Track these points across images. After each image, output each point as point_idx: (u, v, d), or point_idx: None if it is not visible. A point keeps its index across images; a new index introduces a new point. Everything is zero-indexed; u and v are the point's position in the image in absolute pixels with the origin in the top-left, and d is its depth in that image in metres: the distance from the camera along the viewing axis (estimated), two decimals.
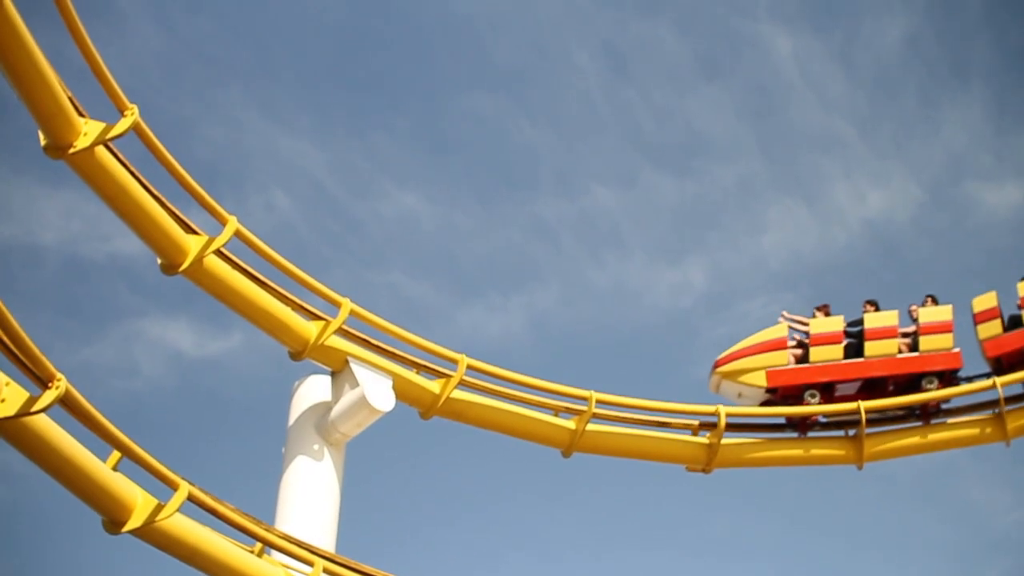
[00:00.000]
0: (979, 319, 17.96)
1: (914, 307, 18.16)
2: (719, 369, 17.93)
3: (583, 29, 40.80)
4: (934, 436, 17.64)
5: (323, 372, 15.49)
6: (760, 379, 17.53)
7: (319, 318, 15.03)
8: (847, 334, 17.93)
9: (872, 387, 17.77)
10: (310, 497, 14.64)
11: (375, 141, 39.95)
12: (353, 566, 13.59)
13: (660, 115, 41.31)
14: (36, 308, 31.81)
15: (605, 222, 40.88)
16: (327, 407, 15.20)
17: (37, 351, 9.52)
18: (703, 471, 17.59)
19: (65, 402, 9.96)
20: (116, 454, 11.28)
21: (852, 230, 41.08)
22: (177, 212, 13.46)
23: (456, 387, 15.98)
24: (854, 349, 17.81)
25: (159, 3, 37.32)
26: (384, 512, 33.21)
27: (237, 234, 13.85)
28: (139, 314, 36.93)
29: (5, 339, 9.45)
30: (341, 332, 15.14)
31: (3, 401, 9.59)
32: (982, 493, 36.48)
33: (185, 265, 13.55)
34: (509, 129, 40.69)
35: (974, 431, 17.66)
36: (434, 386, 15.96)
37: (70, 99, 11.65)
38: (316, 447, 14.99)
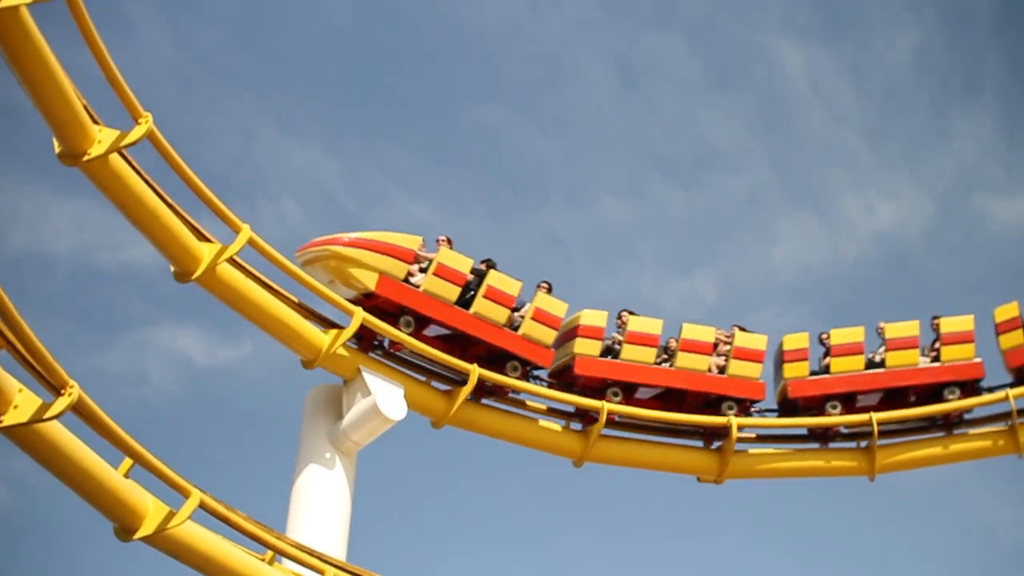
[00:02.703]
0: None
1: (541, 286, 16.72)
2: (334, 248, 15.56)
3: (594, 42, 40.93)
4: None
5: (335, 381, 15.49)
6: (370, 280, 15.49)
7: (332, 326, 15.04)
8: (468, 283, 16.32)
9: (455, 340, 16.28)
10: (321, 505, 14.64)
11: (386, 152, 40.05)
12: (364, 574, 13.59)
13: (670, 127, 41.38)
14: (47, 316, 31.84)
15: (615, 233, 40.91)
16: (339, 416, 15.20)
17: (50, 358, 9.53)
18: (715, 482, 17.57)
19: (78, 409, 9.98)
20: (128, 461, 11.29)
21: (862, 243, 40.99)
22: (190, 220, 13.48)
23: (467, 396, 15.99)
24: (466, 300, 16.28)
25: (172, 14, 37.52)
26: (395, 521, 33.15)
27: (250, 242, 13.85)
28: (149, 322, 37.05)
29: (19, 346, 9.47)
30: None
31: (16, 408, 9.61)
32: (991, 507, 36.29)
33: (198, 273, 13.57)
34: (520, 140, 40.76)
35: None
36: (446, 395, 15.96)
37: (84, 107, 11.66)
38: (328, 456, 14.98)
